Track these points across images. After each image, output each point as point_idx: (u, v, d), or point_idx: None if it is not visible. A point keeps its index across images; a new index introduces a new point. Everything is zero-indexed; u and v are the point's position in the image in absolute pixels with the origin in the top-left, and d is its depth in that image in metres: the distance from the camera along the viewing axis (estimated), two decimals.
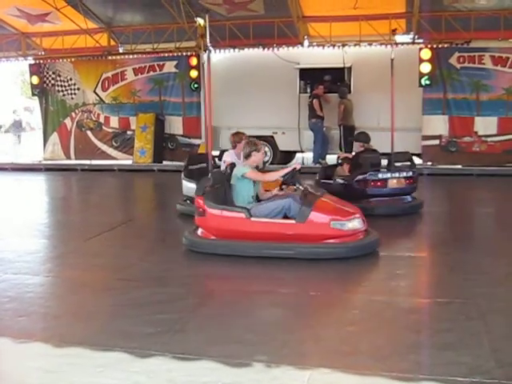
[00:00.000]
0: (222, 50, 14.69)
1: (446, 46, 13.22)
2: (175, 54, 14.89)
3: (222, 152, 9.21)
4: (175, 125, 15.17)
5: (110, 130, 15.99)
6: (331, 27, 13.48)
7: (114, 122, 15.99)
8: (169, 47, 14.87)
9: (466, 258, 6.28)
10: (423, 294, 5.34)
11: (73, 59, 15.99)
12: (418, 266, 6.30)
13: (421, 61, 12.96)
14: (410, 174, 8.91)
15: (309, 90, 14.59)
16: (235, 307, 4.90)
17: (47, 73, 16.42)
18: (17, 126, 20.72)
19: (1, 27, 15.34)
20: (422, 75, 12.99)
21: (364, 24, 13.15)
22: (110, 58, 15.69)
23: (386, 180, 8.76)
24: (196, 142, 14.80)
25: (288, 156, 15.22)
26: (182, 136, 15.02)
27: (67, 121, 16.43)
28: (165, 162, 14.94)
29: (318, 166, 13.82)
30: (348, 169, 9.27)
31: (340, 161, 9.69)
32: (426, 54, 12.95)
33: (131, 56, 15.54)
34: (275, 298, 5.08)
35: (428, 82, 13.02)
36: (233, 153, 8.63)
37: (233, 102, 14.52)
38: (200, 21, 13.97)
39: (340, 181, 9.06)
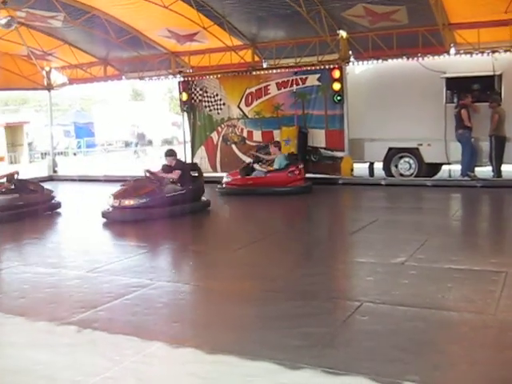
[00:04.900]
0: (365, 62, 14.55)
1: None
2: (318, 68, 14.94)
3: None
4: (318, 138, 15.18)
5: (253, 144, 16.34)
6: (479, 33, 12.87)
7: (257, 135, 16.30)
8: (311, 61, 14.95)
9: None
10: None
11: (219, 75, 16.58)
12: None
13: None
14: None
15: (455, 100, 14.04)
16: (384, 323, 4.77)
17: (195, 89, 17.11)
18: (140, 139, 21.99)
19: (153, 48, 16.34)
20: None
21: None
22: (254, 73, 16.08)
23: None
24: (339, 154, 14.68)
25: (434, 168, 14.66)
26: (325, 149, 15.00)
27: (213, 135, 17.00)
28: (307, 175, 14.96)
29: (466, 178, 13.24)
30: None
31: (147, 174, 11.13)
32: None
33: (274, 71, 15.84)
34: (425, 316, 4.89)
35: None
36: None
37: (376, 113, 14.31)
38: (342, 33, 14.13)
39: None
